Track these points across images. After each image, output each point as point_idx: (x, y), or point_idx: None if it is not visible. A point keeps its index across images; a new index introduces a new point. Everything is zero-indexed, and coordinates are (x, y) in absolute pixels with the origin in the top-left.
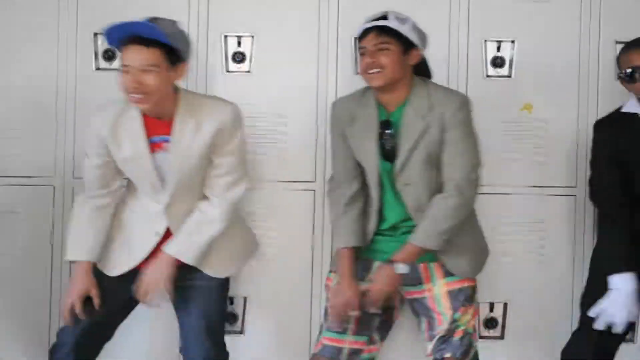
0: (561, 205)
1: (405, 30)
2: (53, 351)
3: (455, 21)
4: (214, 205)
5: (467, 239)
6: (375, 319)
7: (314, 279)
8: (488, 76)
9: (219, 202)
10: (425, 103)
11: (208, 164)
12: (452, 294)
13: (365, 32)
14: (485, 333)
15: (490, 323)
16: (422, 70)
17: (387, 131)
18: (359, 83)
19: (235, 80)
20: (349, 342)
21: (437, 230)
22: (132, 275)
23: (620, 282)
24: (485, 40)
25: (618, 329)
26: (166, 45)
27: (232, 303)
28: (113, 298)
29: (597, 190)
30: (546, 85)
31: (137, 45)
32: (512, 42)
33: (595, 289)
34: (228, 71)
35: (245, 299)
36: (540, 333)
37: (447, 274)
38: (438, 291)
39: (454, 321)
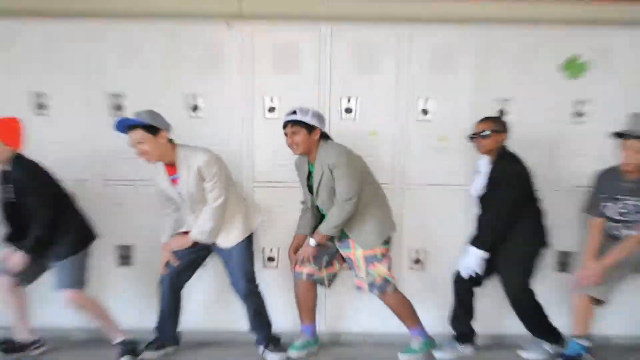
0: (458, 195)
1: (307, 119)
2: (160, 285)
3: (401, 84)
4: (205, 212)
5: (367, 226)
6: (324, 258)
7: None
8: (418, 121)
9: (208, 209)
10: (323, 159)
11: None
12: (366, 258)
13: (285, 123)
14: (413, 267)
15: (417, 261)
16: (325, 134)
17: (309, 177)
18: (344, 125)
19: (270, 124)
20: (306, 268)
21: (330, 226)
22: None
23: (474, 251)
24: (418, 98)
25: (463, 273)
26: (144, 125)
27: (271, 250)
28: (185, 258)
29: None
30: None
31: (129, 131)
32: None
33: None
34: (265, 118)
35: (279, 249)
36: (446, 268)
37: None
38: (358, 255)
39: (368, 273)
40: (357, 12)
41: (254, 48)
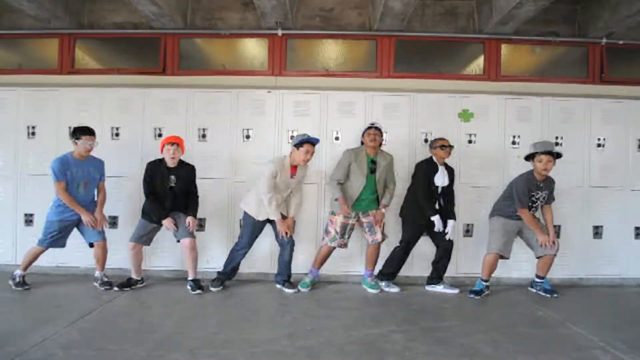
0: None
1: (381, 128)
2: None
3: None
4: (297, 197)
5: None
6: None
7: (319, 214)
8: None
9: (300, 196)
10: (385, 156)
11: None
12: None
13: (370, 127)
14: None
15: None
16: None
17: (372, 164)
18: (334, 146)
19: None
20: (337, 242)
21: (389, 200)
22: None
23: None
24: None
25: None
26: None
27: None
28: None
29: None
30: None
31: (307, 144)
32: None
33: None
34: (289, 143)
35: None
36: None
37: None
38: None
39: (382, 228)
40: (341, 85)
41: (283, 103)
